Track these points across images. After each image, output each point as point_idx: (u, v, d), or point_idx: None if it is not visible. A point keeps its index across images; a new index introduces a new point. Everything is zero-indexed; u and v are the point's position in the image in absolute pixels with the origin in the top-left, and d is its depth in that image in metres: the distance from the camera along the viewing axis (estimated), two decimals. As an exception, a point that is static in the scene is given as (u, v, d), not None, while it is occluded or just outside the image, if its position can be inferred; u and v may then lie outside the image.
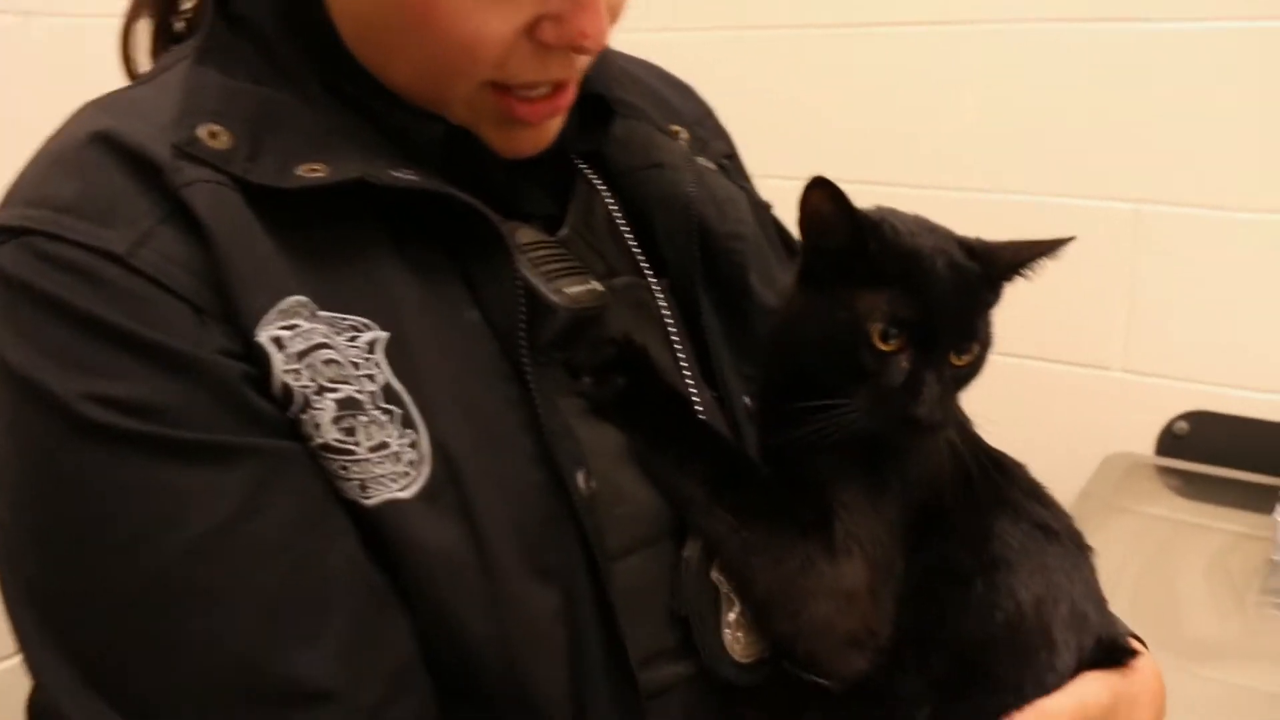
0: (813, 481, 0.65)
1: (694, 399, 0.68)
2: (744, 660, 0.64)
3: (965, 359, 0.64)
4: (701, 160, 0.75)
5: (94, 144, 0.54)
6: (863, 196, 0.65)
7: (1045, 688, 0.64)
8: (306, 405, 0.53)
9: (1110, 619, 0.70)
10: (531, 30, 0.57)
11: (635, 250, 0.71)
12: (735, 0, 1.74)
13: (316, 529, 0.53)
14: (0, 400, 0.52)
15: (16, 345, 0.51)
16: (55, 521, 0.50)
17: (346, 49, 0.60)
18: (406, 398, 0.54)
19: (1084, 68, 1.50)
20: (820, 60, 1.68)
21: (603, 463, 0.60)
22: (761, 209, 0.82)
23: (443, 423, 0.55)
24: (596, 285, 0.65)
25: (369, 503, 0.53)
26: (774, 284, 0.74)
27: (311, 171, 0.54)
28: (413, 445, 0.54)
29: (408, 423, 0.54)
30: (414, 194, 0.56)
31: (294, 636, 0.51)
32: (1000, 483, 0.71)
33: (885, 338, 0.62)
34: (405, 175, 0.56)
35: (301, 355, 0.53)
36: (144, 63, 0.68)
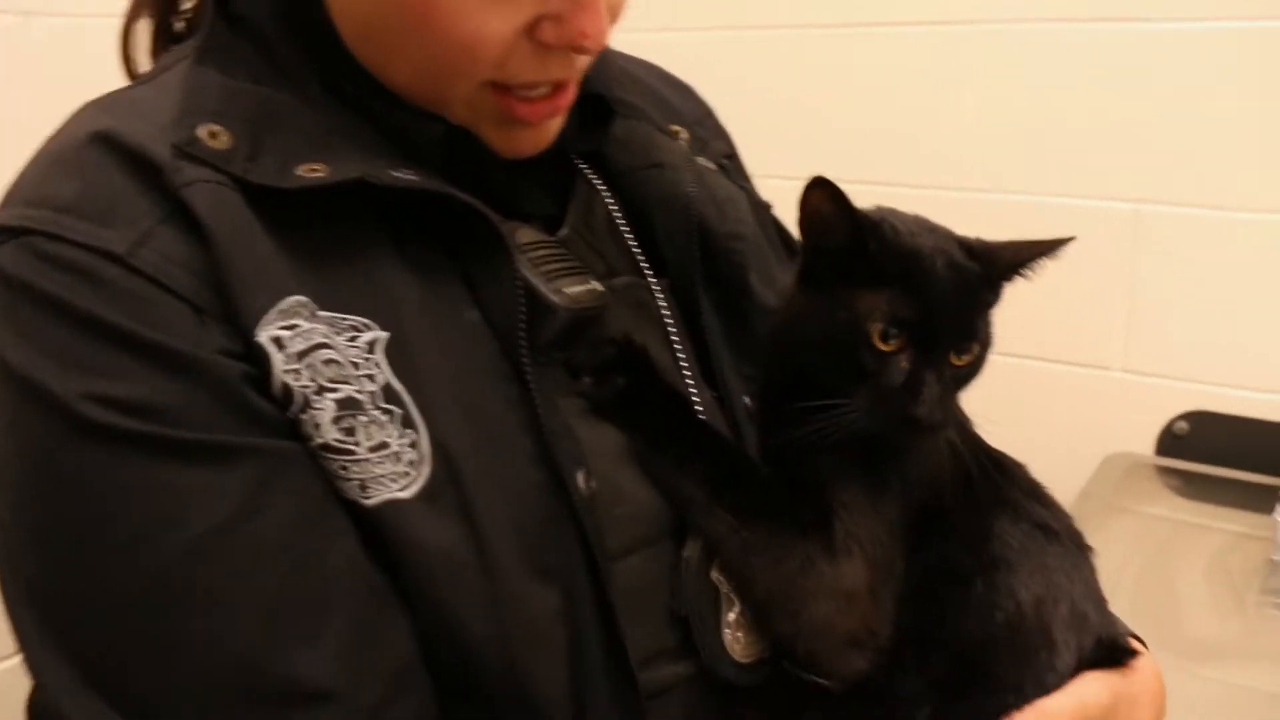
0: (813, 481, 0.65)
1: (694, 399, 0.68)
2: (744, 660, 0.64)
3: (965, 359, 0.64)
4: (701, 160, 0.75)
5: (94, 144, 0.54)
6: (863, 196, 0.65)
7: (1045, 688, 0.64)
8: (306, 405, 0.53)
9: (1110, 619, 0.70)
10: (531, 30, 0.57)
11: (635, 250, 0.71)
12: (735, 0, 1.74)
13: (316, 529, 0.53)
14: (0, 400, 0.51)
15: (16, 345, 0.51)
16: (55, 521, 0.50)
17: (346, 49, 0.60)
18: (406, 398, 0.54)
19: (1084, 68, 1.50)
20: (820, 60, 1.68)
21: (603, 463, 0.60)
22: (761, 209, 0.82)
23: (443, 423, 0.55)
24: (596, 285, 0.65)
25: (369, 503, 0.53)
26: (774, 284, 0.74)
27: (311, 171, 0.54)
28: (413, 445, 0.54)
29: (408, 423, 0.54)
30: (414, 194, 0.56)
31: (294, 636, 0.51)
32: (1000, 483, 0.71)
33: (885, 338, 0.62)
34: (405, 175, 0.56)
35: (301, 355, 0.53)
36: (144, 63, 0.68)
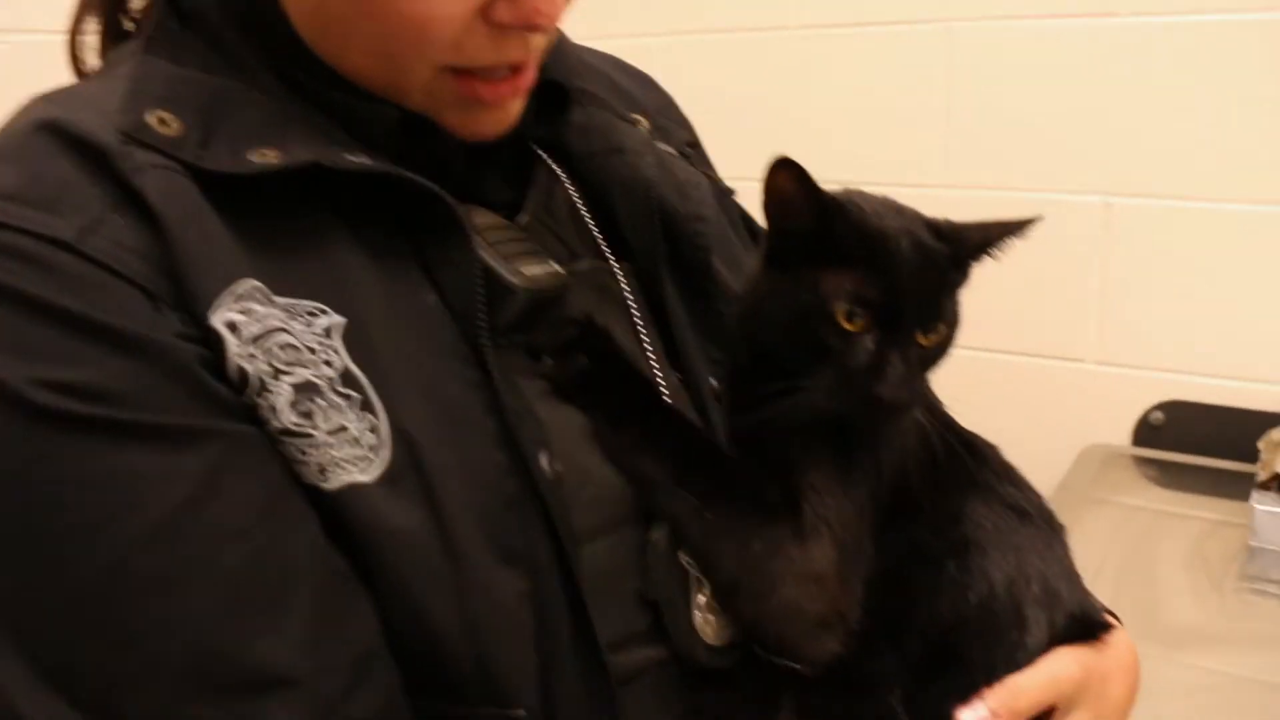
0: (781, 464, 0.65)
1: (659, 383, 0.68)
2: (716, 643, 0.63)
3: (932, 339, 0.64)
4: (662, 146, 0.75)
5: (40, 133, 0.53)
6: (836, 192, 0.65)
7: (1017, 665, 0.64)
8: (262, 389, 0.52)
9: (1084, 595, 0.70)
10: (485, 11, 0.56)
11: (597, 235, 0.71)
12: (705, 4, 1.75)
13: (277, 513, 0.52)
14: None
15: None
16: (6, 510, 0.49)
17: (300, 39, 0.59)
18: (365, 382, 0.54)
19: (1051, 63, 1.51)
20: (789, 61, 1.69)
21: (566, 445, 0.60)
22: (725, 195, 0.82)
23: (402, 407, 0.54)
24: (556, 267, 0.64)
25: (328, 487, 0.52)
26: (739, 269, 0.74)
27: (264, 157, 0.54)
28: (372, 430, 0.53)
29: (366, 407, 0.54)
30: (369, 178, 0.56)
31: (255, 623, 0.50)
32: (972, 464, 0.71)
33: (850, 318, 0.62)
34: (359, 159, 0.56)
35: (256, 339, 0.52)
36: (93, 64, 0.67)
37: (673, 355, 0.70)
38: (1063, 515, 0.72)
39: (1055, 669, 0.65)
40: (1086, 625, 0.68)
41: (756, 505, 0.64)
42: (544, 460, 0.57)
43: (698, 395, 0.69)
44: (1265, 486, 1.33)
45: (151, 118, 0.54)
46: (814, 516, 0.63)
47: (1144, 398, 1.54)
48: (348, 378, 0.53)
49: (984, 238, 0.66)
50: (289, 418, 0.52)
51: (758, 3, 1.70)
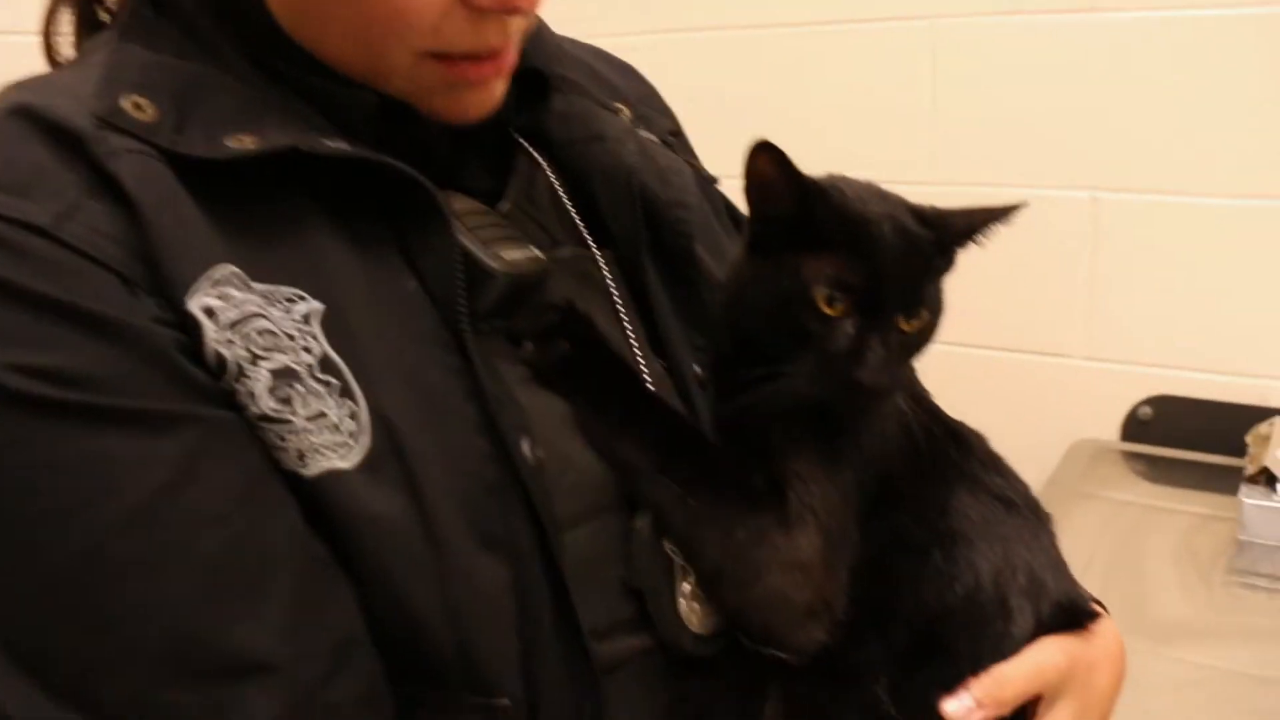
0: (765, 451, 0.65)
1: (642, 370, 0.67)
2: (701, 632, 0.63)
3: (915, 324, 0.64)
4: (644, 133, 0.74)
5: (13, 118, 0.53)
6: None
7: (1003, 656, 0.64)
8: (240, 374, 0.52)
9: (1071, 584, 0.70)
10: None
11: (578, 223, 0.70)
12: (691, 2, 1.75)
13: (255, 499, 0.52)
14: None
15: None
16: None
17: (278, 26, 0.59)
18: (344, 369, 0.53)
19: (1037, 59, 1.51)
20: (775, 60, 1.69)
21: (548, 431, 0.59)
22: (708, 183, 0.82)
23: (382, 393, 0.54)
24: (536, 252, 0.64)
25: (307, 473, 0.52)
26: (722, 256, 0.73)
27: (240, 143, 0.53)
28: (352, 416, 0.53)
29: (346, 393, 0.53)
30: (347, 164, 0.56)
31: (233, 609, 0.50)
32: (958, 454, 0.71)
33: (830, 302, 0.62)
34: (337, 144, 0.55)
35: (234, 325, 0.52)
36: (69, 56, 0.66)
37: (656, 343, 0.69)
38: (1051, 510, 0.72)
39: (1040, 658, 0.65)
40: (1073, 614, 0.68)
41: (741, 492, 0.63)
42: (525, 446, 0.57)
43: (681, 382, 0.68)
44: (1253, 480, 1.33)
45: (126, 102, 0.53)
46: (799, 504, 0.63)
47: (1132, 392, 1.54)
48: (327, 364, 0.53)
49: (969, 223, 0.66)
50: (267, 403, 0.52)
51: (742, 1, 1.70)
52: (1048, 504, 0.73)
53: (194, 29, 0.59)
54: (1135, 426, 1.54)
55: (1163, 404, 1.52)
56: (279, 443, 0.52)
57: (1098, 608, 0.71)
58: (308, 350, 0.53)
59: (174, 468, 0.50)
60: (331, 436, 0.52)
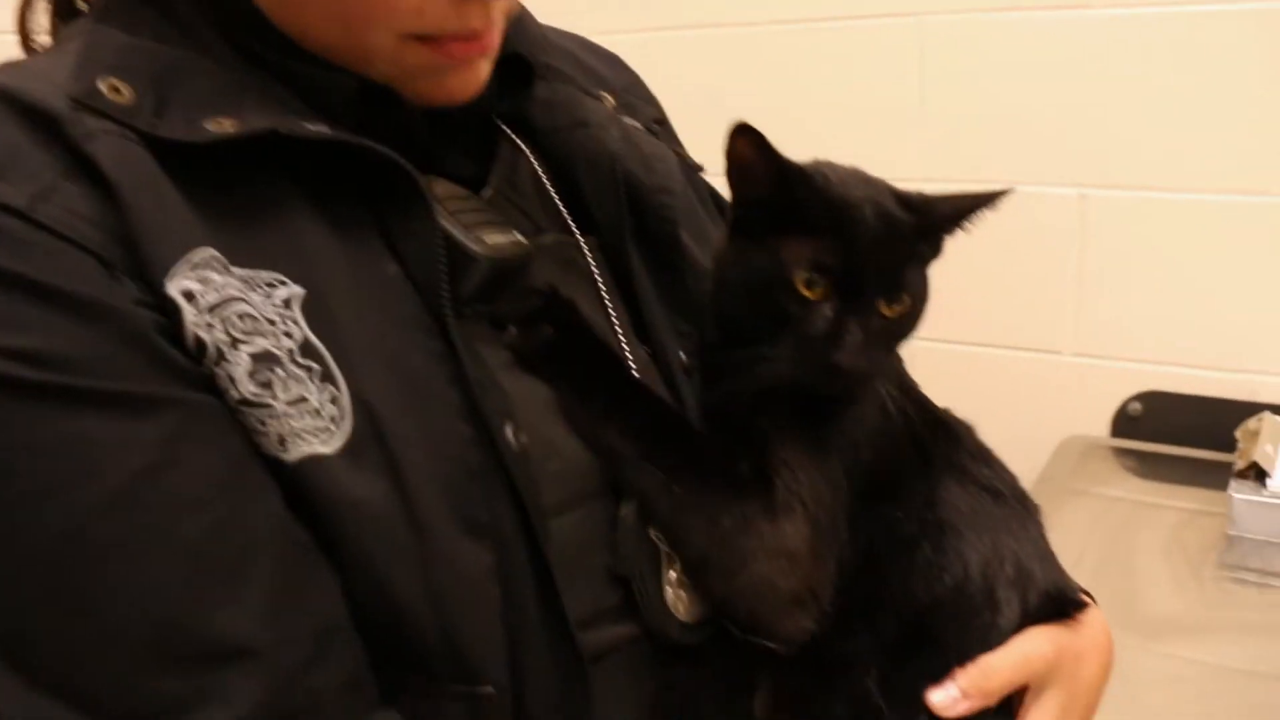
0: (752, 439, 0.64)
1: (627, 356, 0.67)
2: (688, 620, 0.63)
3: (896, 310, 0.63)
4: (628, 120, 0.74)
5: None
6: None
7: (990, 647, 0.64)
8: (220, 358, 0.51)
9: (1059, 574, 0.70)
10: None
11: (561, 209, 0.70)
12: (678, 1, 1.75)
13: (237, 483, 0.51)
14: None
15: None
16: None
17: (258, 10, 0.58)
18: (325, 353, 0.53)
19: (1024, 56, 1.51)
20: (762, 57, 1.69)
21: (531, 417, 0.59)
22: (693, 171, 0.81)
23: (364, 378, 0.53)
24: (519, 237, 0.64)
25: (288, 458, 0.52)
26: (707, 243, 0.73)
27: (220, 126, 0.53)
28: (333, 401, 0.53)
29: (327, 378, 0.53)
30: (328, 147, 0.55)
31: (214, 594, 0.49)
32: (946, 445, 0.71)
33: (809, 285, 0.62)
34: (318, 128, 0.55)
35: (213, 308, 0.51)
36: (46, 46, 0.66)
37: (640, 329, 0.69)
38: (1042, 507, 0.72)
39: (1027, 648, 0.64)
40: (1060, 604, 0.68)
41: (726, 480, 0.63)
42: (509, 432, 0.56)
43: (666, 369, 0.68)
44: (1243, 475, 1.33)
45: (103, 85, 0.53)
46: (786, 492, 0.63)
47: (1122, 389, 1.54)
48: (307, 348, 0.53)
49: (954, 209, 0.66)
50: (247, 388, 0.51)
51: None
52: (1038, 500, 0.72)
53: (172, 12, 0.58)
54: (1125, 422, 1.54)
55: (1152, 400, 1.53)
56: (259, 427, 0.52)
57: (1085, 598, 0.70)
58: (288, 335, 0.52)
59: (155, 451, 0.49)
60: (312, 421, 0.52)
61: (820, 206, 0.63)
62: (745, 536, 0.61)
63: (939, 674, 0.63)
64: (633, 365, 0.67)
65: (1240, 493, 1.30)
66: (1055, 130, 1.50)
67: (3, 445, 0.48)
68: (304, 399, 0.52)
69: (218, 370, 0.51)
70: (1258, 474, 1.31)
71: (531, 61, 0.70)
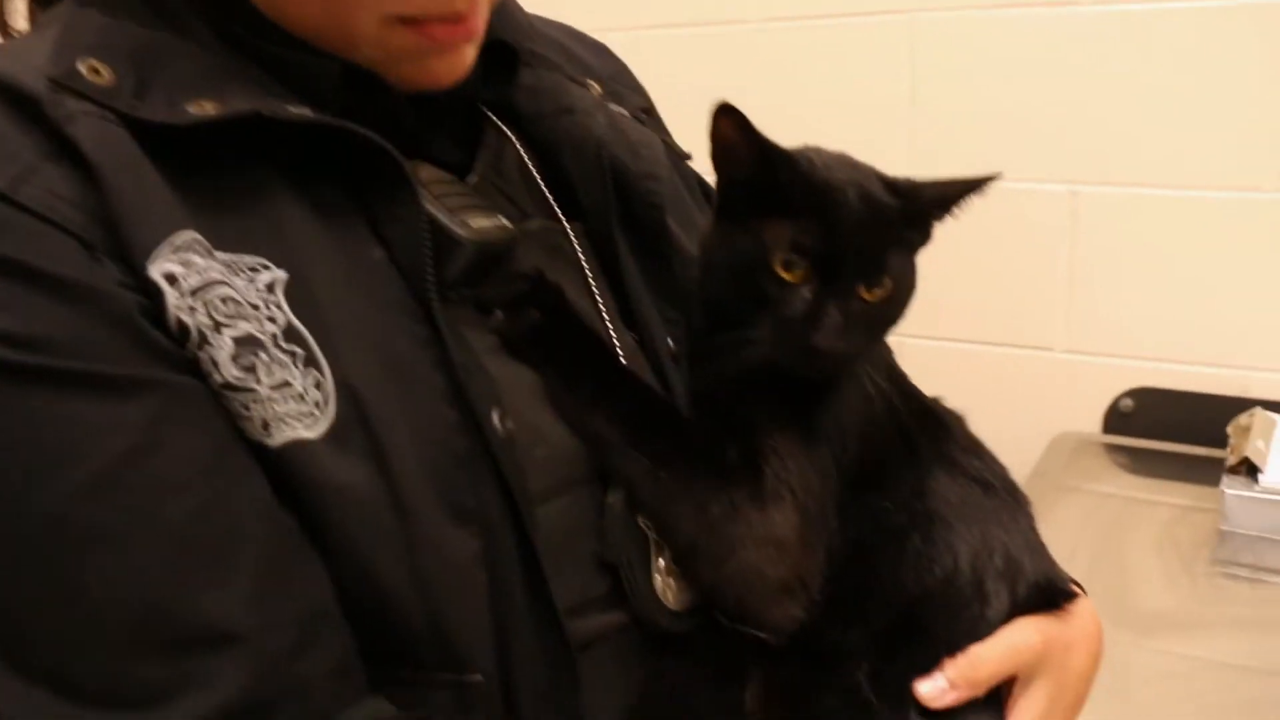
0: (741, 427, 0.64)
1: (615, 343, 0.66)
2: (677, 608, 0.62)
3: (877, 294, 0.63)
4: (614, 107, 0.74)
5: None
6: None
7: (978, 638, 0.64)
8: (203, 342, 0.51)
9: (1049, 564, 0.70)
10: None
11: (548, 196, 0.70)
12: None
13: (222, 467, 0.51)
14: None
15: None
16: None
17: None
18: (309, 338, 0.52)
19: (1015, 53, 1.51)
20: (752, 55, 1.69)
21: (518, 403, 0.59)
22: (680, 159, 0.81)
23: (348, 363, 0.53)
24: (504, 221, 0.63)
25: (272, 443, 0.51)
26: (694, 231, 0.73)
27: (201, 109, 0.52)
28: (317, 385, 0.52)
29: (311, 362, 0.52)
30: (311, 131, 0.55)
31: (199, 578, 0.49)
32: (936, 436, 0.70)
33: (788, 267, 0.62)
34: (301, 111, 0.54)
35: (196, 292, 0.51)
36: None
37: (627, 316, 0.69)
38: (1034, 503, 0.72)
39: (1015, 638, 0.64)
40: (1050, 594, 0.67)
41: (714, 467, 0.63)
42: (495, 417, 0.56)
43: (654, 356, 0.68)
44: (1235, 471, 1.33)
45: (83, 66, 0.52)
46: (775, 480, 0.62)
47: (1113, 385, 1.54)
48: (291, 333, 0.52)
49: (941, 194, 0.66)
50: (231, 372, 0.51)
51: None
52: (1030, 497, 0.72)
53: None
54: (1117, 419, 1.54)
55: (1144, 396, 1.52)
56: (243, 412, 0.51)
57: (1075, 588, 0.70)
58: (272, 320, 0.52)
59: (138, 434, 0.48)
60: (296, 406, 0.51)
61: (802, 188, 0.63)
62: (734, 524, 0.61)
63: (928, 667, 0.63)
64: (620, 352, 0.66)
65: (1232, 488, 1.30)
66: (1046, 127, 1.50)
67: None
68: (288, 384, 0.51)
69: (200, 354, 0.51)
70: (1249, 469, 1.31)
71: (517, 48, 0.70)
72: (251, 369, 0.51)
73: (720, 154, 0.65)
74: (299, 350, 0.52)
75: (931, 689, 0.62)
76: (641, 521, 0.62)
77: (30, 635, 0.48)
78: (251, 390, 0.51)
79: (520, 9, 0.74)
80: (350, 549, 0.52)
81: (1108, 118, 1.47)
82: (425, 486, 0.53)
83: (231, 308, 0.51)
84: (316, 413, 0.52)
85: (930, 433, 0.70)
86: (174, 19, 0.57)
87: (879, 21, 1.58)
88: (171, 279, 0.50)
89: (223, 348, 0.51)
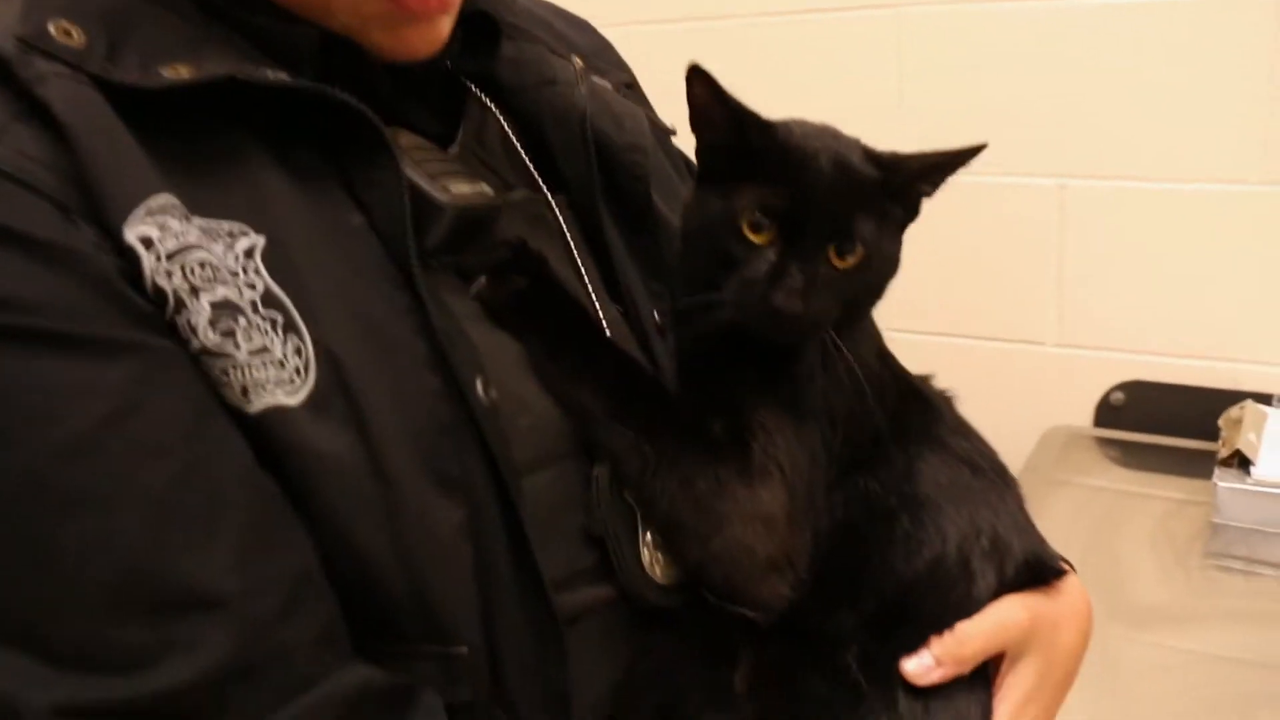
0: (728, 401, 0.64)
1: (599, 315, 0.66)
2: (665, 583, 0.62)
3: (850, 260, 0.62)
4: (597, 80, 0.73)
5: None
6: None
7: (966, 617, 0.63)
8: (180, 307, 0.50)
9: (1038, 542, 0.70)
10: None
11: (531, 167, 0.69)
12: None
13: (203, 430, 0.50)
14: None
15: None
16: None
17: None
18: (288, 303, 0.52)
19: (1003, 47, 1.51)
20: (740, 50, 1.69)
21: (502, 372, 0.58)
22: (663, 134, 0.81)
23: (328, 329, 0.52)
24: (485, 188, 0.63)
25: (252, 409, 0.50)
26: (678, 205, 0.72)
27: (176, 72, 0.52)
28: (297, 352, 0.51)
29: (290, 328, 0.52)
30: (288, 96, 0.54)
31: (181, 542, 0.48)
32: (925, 417, 0.70)
33: (755, 229, 0.61)
34: (278, 75, 0.54)
35: (172, 255, 0.50)
36: None
37: (612, 289, 0.68)
38: (1027, 497, 0.71)
39: (1002, 615, 0.64)
40: (1038, 571, 0.67)
41: (700, 442, 0.62)
42: (479, 385, 0.55)
43: (639, 328, 0.67)
44: (1226, 464, 1.33)
45: (53, 27, 0.51)
46: (763, 456, 0.62)
47: (1104, 379, 1.54)
48: (270, 298, 0.52)
49: (923, 165, 0.66)
50: (209, 337, 0.50)
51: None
52: (1022, 492, 0.72)
53: None
54: (1108, 412, 1.54)
55: (1135, 389, 1.52)
56: (222, 378, 0.50)
57: (1065, 565, 0.70)
58: (251, 286, 0.51)
59: (118, 396, 0.48)
60: (276, 372, 0.51)
61: (775, 153, 0.63)
62: (720, 500, 0.60)
63: (917, 648, 0.62)
64: (604, 323, 0.66)
65: (1224, 481, 1.30)
66: (1034, 121, 1.50)
67: None
68: (266, 349, 0.51)
69: (178, 319, 0.50)
70: (1241, 462, 1.31)
71: (498, 20, 0.69)
72: (230, 334, 0.50)
73: (696, 118, 0.65)
74: (278, 316, 0.51)
75: (917, 666, 0.61)
76: (628, 495, 0.61)
77: (8, 598, 0.47)
78: (230, 356, 0.50)
79: None
80: (331, 517, 0.51)
81: (1095, 111, 1.47)
82: (408, 455, 0.52)
83: (209, 272, 0.50)
84: (296, 379, 0.51)
85: (919, 414, 0.70)
86: None
87: (867, 16, 1.58)
88: (147, 242, 0.49)
89: (200, 313, 0.50)
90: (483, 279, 0.61)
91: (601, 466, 0.61)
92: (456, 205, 0.59)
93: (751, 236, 0.61)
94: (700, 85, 0.62)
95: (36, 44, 0.51)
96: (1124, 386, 1.53)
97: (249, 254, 0.52)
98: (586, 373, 0.61)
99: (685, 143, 0.82)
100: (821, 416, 0.65)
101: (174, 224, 0.50)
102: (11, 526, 0.46)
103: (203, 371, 0.50)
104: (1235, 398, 1.40)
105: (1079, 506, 1.39)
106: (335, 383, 0.52)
